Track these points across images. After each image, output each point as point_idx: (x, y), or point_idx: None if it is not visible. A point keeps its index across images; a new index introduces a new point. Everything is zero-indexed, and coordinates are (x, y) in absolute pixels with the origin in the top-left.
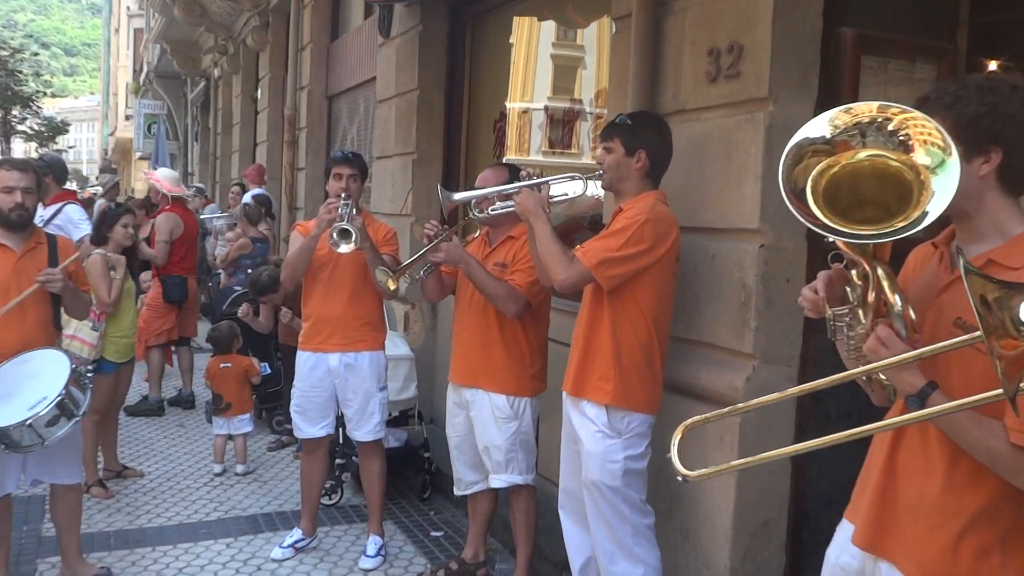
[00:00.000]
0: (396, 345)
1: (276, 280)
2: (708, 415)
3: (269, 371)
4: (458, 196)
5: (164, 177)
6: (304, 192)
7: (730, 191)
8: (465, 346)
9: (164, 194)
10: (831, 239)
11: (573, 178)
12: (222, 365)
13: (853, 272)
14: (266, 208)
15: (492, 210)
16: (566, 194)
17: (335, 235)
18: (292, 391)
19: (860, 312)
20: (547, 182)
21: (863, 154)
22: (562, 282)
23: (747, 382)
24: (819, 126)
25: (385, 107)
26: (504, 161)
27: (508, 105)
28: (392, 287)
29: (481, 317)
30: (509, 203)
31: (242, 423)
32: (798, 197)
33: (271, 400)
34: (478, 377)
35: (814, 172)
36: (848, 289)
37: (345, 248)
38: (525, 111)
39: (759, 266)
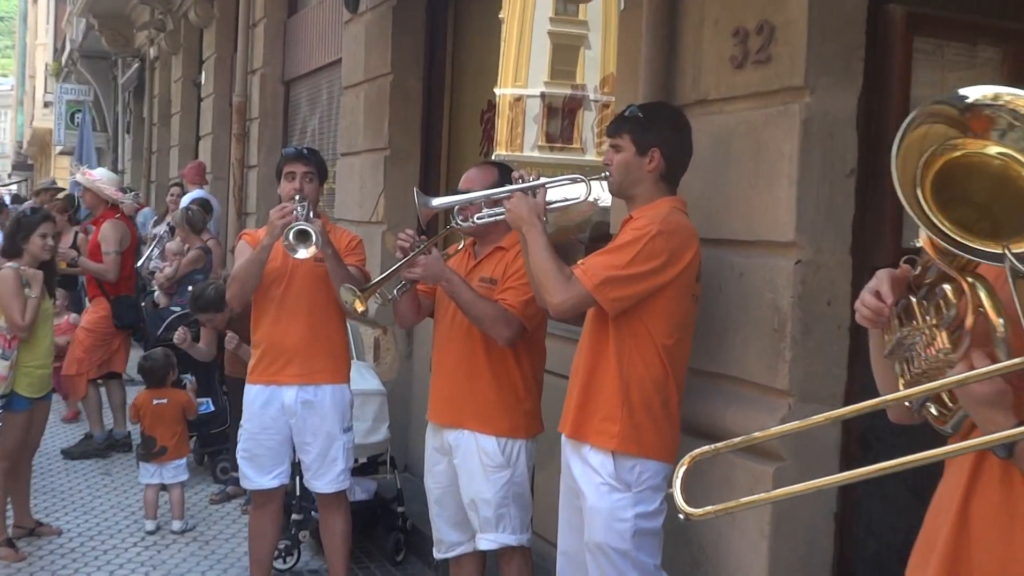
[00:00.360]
0: (364, 378)
1: (223, 296)
2: (717, 445)
3: (212, 408)
4: (437, 202)
5: (107, 180)
6: (256, 195)
7: (759, 196)
8: (447, 379)
9: (113, 200)
10: (918, 242)
11: (574, 180)
12: (156, 401)
13: (947, 288)
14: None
15: (478, 218)
16: (566, 199)
17: (291, 237)
18: (239, 432)
19: (942, 334)
20: (543, 185)
21: (995, 149)
22: (558, 305)
23: (781, 424)
24: (977, 90)
25: (352, 95)
26: (493, 159)
27: (498, 92)
28: (360, 308)
29: (465, 344)
30: (499, 210)
31: (177, 470)
32: (910, 176)
33: (214, 443)
34: (463, 416)
35: (934, 147)
36: (913, 299)
37: (304, 253)
38: (518, 99)
39: (795, 285)
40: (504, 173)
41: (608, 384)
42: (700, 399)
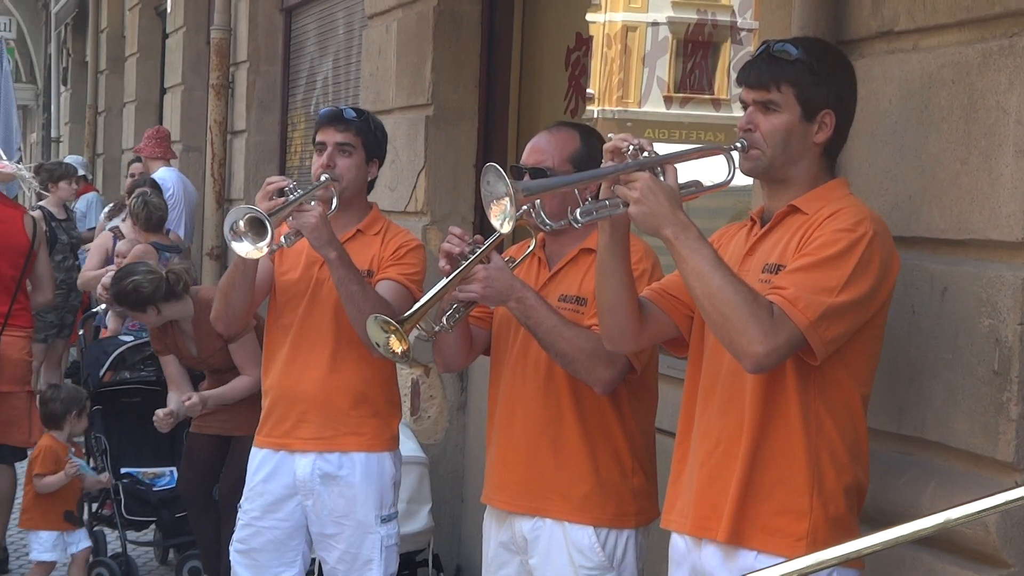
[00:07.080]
0: None
1: (154, 289)
2: None
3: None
4: (528, 184)
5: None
6: (244, 174)
7: (972, 175)
8: (518, 445)
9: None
10: None
11: (704, 150)
12: None
13: None
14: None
15: (583, 215)
16: (698, 183)
17: (241, 224)
18: (239, 515)
19: None
20: (670, 159)
21: None
22: (765, 357)
23: (1006, 512)
24: None
25: (380, 27)
26: (581, 119)
27: (592, 20)
28: (399, 347)
29: (544, 393)
30: (610, 202)
31: (79, 535)
32: None
33: (183, 532)
34: (544, 498)
35: None
36: None
37: (244, 249)
38: (629, 29)
39: None
40: (589, 138)
41: (786, 460)
42: (883, 474)
